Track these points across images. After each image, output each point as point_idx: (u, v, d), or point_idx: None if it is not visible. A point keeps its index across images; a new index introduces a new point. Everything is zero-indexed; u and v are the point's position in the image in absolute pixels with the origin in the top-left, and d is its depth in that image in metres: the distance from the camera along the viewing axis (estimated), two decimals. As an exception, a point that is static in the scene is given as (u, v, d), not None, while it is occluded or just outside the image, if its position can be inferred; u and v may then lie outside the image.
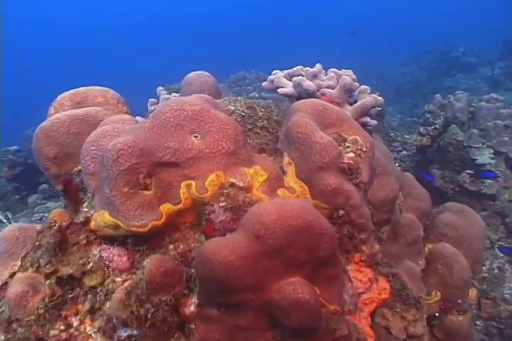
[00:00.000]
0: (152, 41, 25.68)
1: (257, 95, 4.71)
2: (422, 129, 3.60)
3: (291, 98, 1.34)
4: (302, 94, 1.29)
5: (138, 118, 1.68)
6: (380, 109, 1.42)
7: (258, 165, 0.88)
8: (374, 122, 1.32)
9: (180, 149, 0.82)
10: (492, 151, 3.26)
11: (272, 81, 1.36)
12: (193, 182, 0.82)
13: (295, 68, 1.38)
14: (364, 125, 1.32)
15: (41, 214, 3.66)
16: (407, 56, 10.12)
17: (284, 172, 0.95)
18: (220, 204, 0.80)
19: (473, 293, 1.36)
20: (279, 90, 1.31)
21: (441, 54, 9.00)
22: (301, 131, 0.89)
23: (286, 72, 1.39)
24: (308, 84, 1.25)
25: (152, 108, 1.64)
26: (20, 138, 5.83)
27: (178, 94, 1.71)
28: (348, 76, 1.29)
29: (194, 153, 0.82)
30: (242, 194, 0.82)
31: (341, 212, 0.90)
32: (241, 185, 0.83)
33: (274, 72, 1.41)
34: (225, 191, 0.81)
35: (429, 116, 3.58)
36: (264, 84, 1.39)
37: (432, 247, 1.35)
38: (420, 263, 1.30)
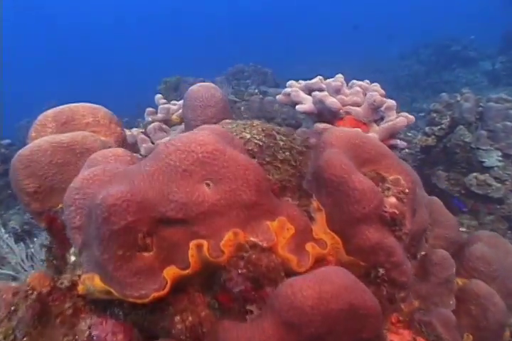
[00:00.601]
0: (151, 36, 25.40)
1: (256, 90, 4.50)
2: (427, 129, 3.46)
3: (310, 115, 1.17)
4: (323, 111, 1.12)
5: (134, 130, 1.50)
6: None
7: (283, 215, 0.71)
8: (404, 144, 1.16)
9: (189, 203, 0.65)
10: (500, 154, 3.14)
11: (289, 94, 1.18)
12: (205, 242, 0.66)
13: (314, 80, 1.20)
14: (392, 147, 1.16)
15: (33, 213, 3.51)
16: (406, 49, 9.92)
17: (311, 218, 0.80)
18: (239, 271, 0.65)
19: (506, 333, 1.23)
20: (297, 107, 1.13)
21: (441, 48, 8.82)
22: (336, 173, 0.73)
23: (303, 83, 1.21)
24: (332, 101, 1.08)
25: (150, 118, 1.46)
26: (13, 130, 5.57)
27: (179, 102, 1.53)
28: (376, 91, 1.12)
29: (206, 206, 0.65)
30: (266, 257, 0.66)
31: (381, 271, 0.75)
32: (264, 245, 0.67)
33: (290, 83, 1.24)
34: (244, 254, 0.65)
35: (434, 115, 3.42)
36: (279, 97, 1.21)
37: (463, 284, 1.21)
38: (451, 303, 1.16)
